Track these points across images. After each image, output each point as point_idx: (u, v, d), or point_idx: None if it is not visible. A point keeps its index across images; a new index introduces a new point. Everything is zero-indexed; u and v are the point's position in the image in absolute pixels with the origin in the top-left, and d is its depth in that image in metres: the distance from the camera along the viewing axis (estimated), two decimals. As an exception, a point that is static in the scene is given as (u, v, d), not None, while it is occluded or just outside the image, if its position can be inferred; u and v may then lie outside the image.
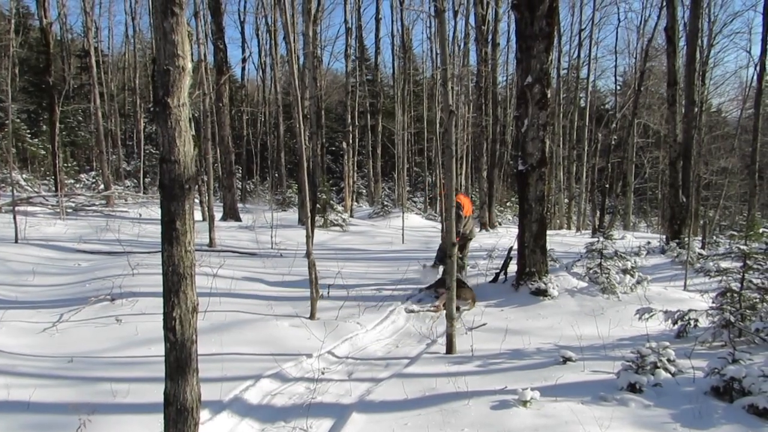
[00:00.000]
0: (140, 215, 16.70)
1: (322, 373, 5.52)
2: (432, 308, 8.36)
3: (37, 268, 9.09)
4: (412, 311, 8.23)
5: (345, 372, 5.66)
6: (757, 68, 18.37)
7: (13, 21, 18.39)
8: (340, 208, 17.47)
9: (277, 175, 32.05)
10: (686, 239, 12.27)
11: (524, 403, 4.28)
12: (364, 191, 33.83)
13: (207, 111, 13.83)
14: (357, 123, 26.68)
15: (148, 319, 6.69)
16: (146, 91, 38.89)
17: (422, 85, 40.22)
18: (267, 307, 7.52)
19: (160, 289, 7.37)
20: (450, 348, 6.23)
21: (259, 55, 35.25)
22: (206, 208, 13.28)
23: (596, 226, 20.97)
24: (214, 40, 17.11)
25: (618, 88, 43.80)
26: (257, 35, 34.54)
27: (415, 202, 34.57)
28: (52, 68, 19.93)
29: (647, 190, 38.37)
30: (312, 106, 19.34)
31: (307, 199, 7.97)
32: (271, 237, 13.28)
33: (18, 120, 25.45)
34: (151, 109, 37.02)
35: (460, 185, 25.49)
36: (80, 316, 6.77)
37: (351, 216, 20.69)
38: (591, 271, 9.26)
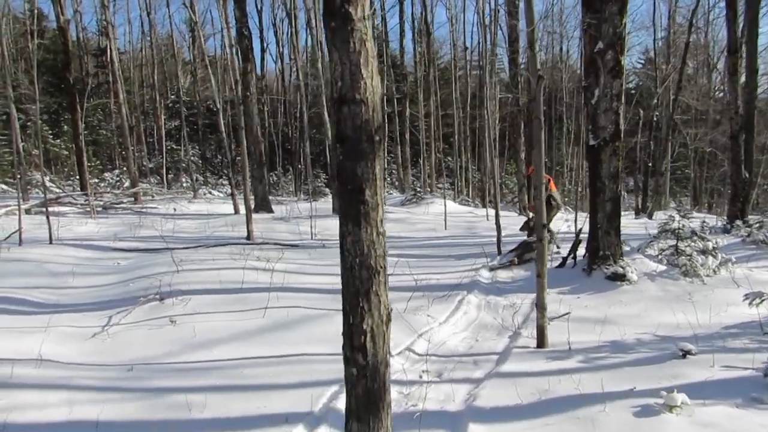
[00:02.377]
0: (174, 210, 16.22)
1: (408, 373, 4.91)
2: (509, 262, 9.59)
3: (76, 269, 8.58)
4: (494, 268, 9.38)
5: (434, 372, 5.04)
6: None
7: (34, 19, 17.89)
8: (375, 196, 16.90)
9: (301, 165, 31.48)
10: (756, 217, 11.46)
11: (671, 408, 3.63)
12: (388, 178, 33.17)
13: (239, 99, 13.25)
14: (384, 108, 25.99)
15: (203, 318, 6.16)
16: (164, 86, 38.51)
17: (444, 70, 39.42)
18: (327, 301, 6.91)
19: (211, 286, 6.76)
20: (541, 341, 5.60)
21: (277, 45, 34.66)
22: (236, 200, 12.73)
23: (638, 207, 20.17)
24: (238, 26, 16.47)
25: (641, 65, 42.65)
26: (274, 24, 33.93)
27: (440, 188, 33.85)
28: (72, 66, 19.48)
29: (676, 170, 37.26)
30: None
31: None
32: (311, 228, 12.70)
33: (39, 121, 25.14)
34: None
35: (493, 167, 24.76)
36: (130, 318, 6.23)
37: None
38: (665, 253, 8.56)
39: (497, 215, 10.81)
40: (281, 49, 35.08)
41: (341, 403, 4.02)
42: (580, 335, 5.84)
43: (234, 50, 11.67)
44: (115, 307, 6.65)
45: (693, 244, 8.47)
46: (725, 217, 13.49)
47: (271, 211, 17.37)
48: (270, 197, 19.60)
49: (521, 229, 11.47)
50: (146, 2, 31.25)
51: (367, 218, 1.99)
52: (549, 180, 11.49)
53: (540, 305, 5.58)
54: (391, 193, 26.83)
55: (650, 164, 21.99)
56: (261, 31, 34.43)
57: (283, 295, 6.93)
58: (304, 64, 28.68)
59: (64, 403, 3.99)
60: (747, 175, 12.59)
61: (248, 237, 11.64)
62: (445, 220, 14.56)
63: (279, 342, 5.53)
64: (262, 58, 35.07)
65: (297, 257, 9.90)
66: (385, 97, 25.44)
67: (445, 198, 16.75)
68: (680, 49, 27.50)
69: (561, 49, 36.76)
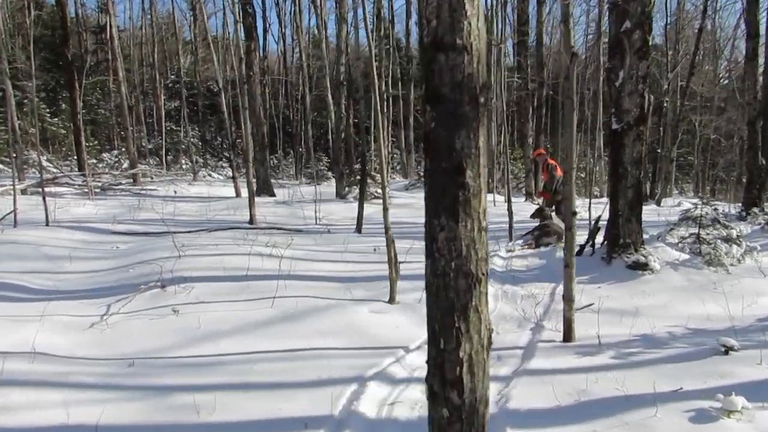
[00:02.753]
0: (175, 192, 15.84)
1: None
2: (526, 246, 9.88)
3: (74, 253, 8.21)
4: (511, 250, 9.65)
5: (457, 369, 4.71)
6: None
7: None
8: (378, 179, 16.46)
9: (302, 149, 31.03)
10: None
11: (730, 413, 3.29)
12: (391, 163, 32.75)
13: (242, 79, 12.82)
14: (390, 91, 25.49)
15: (207, 308, 5.81)
16: (163, 66, 37.88)
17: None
18: (338, 291, 6.59)
19: (215, 273, 6.37)
20: (568, 335, 5.27)
21: (280, 25, 33.94)
22: (237, 183, 12.35)
23: (646, 194, 19.80)
24: (242, 2, 15.97)
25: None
26: (277, 4, 33.24)
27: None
28: (70, 42, 18.98)
29: (679, 157, 36.82)
30: (345, 73, 18.28)
31: (385, 164, 6.94)
32: (315, 212, 12.33)
33: (36, 99, 24.63)
34: (169, 86, 36.14)
35: (499, 152, 24.34)
36: (130, 307, 5.88)
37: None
38: (687, 242, 8.22)
39: (509, 201, 10.45)
40: (283, 29, 34.41)
41: (363, 406, 3.71)
42: (607, 328, 5.51)
43: (238, 27, 11.22)
44: (115, 295, 6.29)
45: (715, 232, 8.15)
46: (740, 204, 13.15)
47: (273, 194, 17.00)
48: (271, 180, 19.23)
49: (532, 216, 11.19)
50: (146, -21, 30.64)
51: (467, 208, 1.52)
52: (556, 165, 11.28)
53: (568, 296, 5.24)
54: (394, 178, 26.45)
55: (659, 150, 21.57)
56: (264, 11, 33.81)
57: (291, 284, 6.59)
58: (307, 45, 28.12)
59: (60, 404, 3.65)
60: (764, 162, 12.22)
61: (251, 221, 11.29)
62: (453, 205, 14.23)
63: (289, 335, 5.19)
64: (264, 38, 34.43)
65: (303, 243, 9.54)
66: (390, 79, 24.99)
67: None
68: (687, 35, 27.05)
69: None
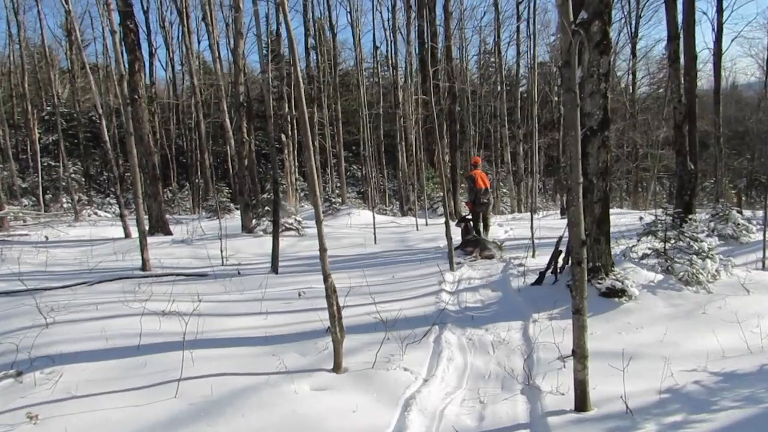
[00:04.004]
0: (46, 238, 13.50)
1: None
2: (472, 258, 10.29)
3: None
4: (460, 263, 9.52)
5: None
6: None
7: None
8: (292, 208, 14.85)
9: (199, 180, 28.84)
10: (732, 209, 10.62)
11: None
12: (299, 190, 31.09)
13: (126, 102, 10.97)
14: (293, 112, 23.92)
15: (82, 406, 4.09)
16: (38, 98, 34.50)
17: (346, 75, 38.11)
18: (263, 358, 5.03)
19: (96, 346, 4.33)
20: (583, 402, 3.99)
21: (167, 50, 31.66)
22: (126, 222, 10.45)
23: (564, 206, 19.42)
24: (122, 17, 14.05)
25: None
26: (163, 27, 30.93)
27: (348, 197, 32.19)
28: None
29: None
30: (244, 94, 16.66)
31: (318, 198, 5.51)
32: (221, 251, 10.62)
33: None
34: (45, 118, 32.57)
35: (413, 172, 23.44)
36: (-37, 415, 4.04)
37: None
38: (657, 259, 7.32)
39: (447, 225, 9.22)
40: (171, 54, 32.09)
41: None
42: (615, 382, 4.31)
43: (116, 39, 9.46)
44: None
45: (681, 244, 7.32)
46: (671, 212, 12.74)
47: (169, 232, 15.02)
48: (167, 216, 17.20)
49: (457, 225, 11.71)
50: (13, 1, 27.61)
51: None
52: (475, 177, 11.46)
53: (580, 353, 3.99)
54: (303, 206, 24.85)
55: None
56: (149, 35, 31.36)
57: (201, 355, 4.97)
58: (198, 68, 26.15)
59: None
60: (692, 167, 11.82)
61: (144, 267, 9.47)
62: (375, 234, 12.89)
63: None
64: (150, 64, 31.98)
65: (210, 291, 7.87)
66: (292, 100, 23.49)
67: (373, 209, 15.04)
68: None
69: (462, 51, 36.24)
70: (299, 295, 7.42)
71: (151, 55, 31.40)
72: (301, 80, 4.92)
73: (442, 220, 18.46)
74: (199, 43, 32.79)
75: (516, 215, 22.18)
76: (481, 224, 11.49)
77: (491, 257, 10.28)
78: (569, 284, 6.85)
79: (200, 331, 5.61)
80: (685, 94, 11.81)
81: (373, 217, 13.22)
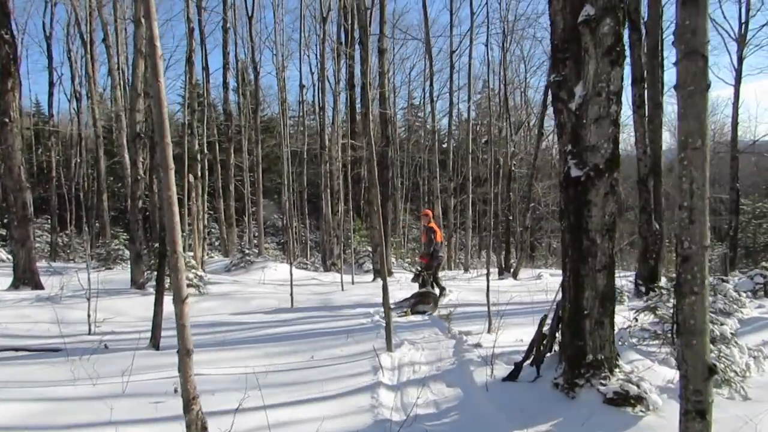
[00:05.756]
0: None
1: None
2: (403, 312, 9.77)
3: None
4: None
5: None
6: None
7: None
8: (191, 261, 12.47)
9: (97, 224, 25.80)
10: (719, 276, 9.16)
11: None
12: (208, 238, 28.48)
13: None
14: (206, 152, 21.55)
15: None
16: None
17: (270, 120, 36.47)
18: None
19: None
20: None
21: (72, 82, 28.71)
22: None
23: (502, 266, 17.99)
24: (-7, 26, 11.64)
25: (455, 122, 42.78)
26: (69, 57, 28.08)
27: (266, 248, 29.84)
28: None
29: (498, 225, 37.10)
30: (142, 123, 14.34)
31: (180, 256, 3.43)
32: (88, 314, 8.19)
33: None
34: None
35: (338, 223, 21.46)
36: None
37: (203, 270, 15.54)
38: (652, 341, 5.65)
39: (385, 289, 7.13)
40: (78, 87, 29.10)
41: None
42: None
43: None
44: None
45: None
46: (633, 278, 11.34)
47: (39, 286, 12.25)
48: (52, 263, 14.44)
49: (413, 281, 11.35)
50: None
51: None
52: (436, 230, 10.99)
53: None
54: (212, 257, 22.27)
55: (510, 218, 20.08)
56: (50, 63, 28.34)
57: None
58: (100, 98, 23.50)
59: None
60: (658, 227, 10.52)
61: (-28, 337, 6.95)
62: (292, 295, 10.72)
63: None
64: (50, 94, 28.97)
65: (50, 378, 5.53)
66: (204, 140, 21.20)
67: (291, 262, 12.83)
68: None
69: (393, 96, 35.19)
70: (175, 390, 5.18)
71: (51, 84, 28.41)
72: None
73: (370, 277, 16.61)
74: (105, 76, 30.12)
75: (447, 273, 20.61)
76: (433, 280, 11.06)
77: (422, 312, 10.00)
78: (557, 382, 5.03)
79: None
80: (649, 144, 10.59)
81: (291, 275, 11.02)
